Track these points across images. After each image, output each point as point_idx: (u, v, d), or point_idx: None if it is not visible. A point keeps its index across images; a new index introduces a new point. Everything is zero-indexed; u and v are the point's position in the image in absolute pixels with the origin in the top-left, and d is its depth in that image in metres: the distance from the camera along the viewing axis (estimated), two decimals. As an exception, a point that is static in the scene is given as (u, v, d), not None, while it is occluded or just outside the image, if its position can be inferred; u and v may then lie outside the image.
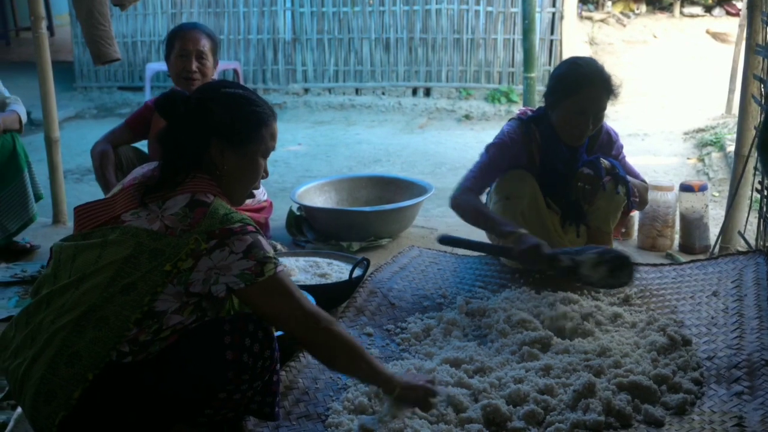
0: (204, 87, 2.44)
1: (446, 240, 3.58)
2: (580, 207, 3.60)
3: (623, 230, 4.30)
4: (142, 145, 4.16)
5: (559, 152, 3.55)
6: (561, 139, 3.53)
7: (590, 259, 3.19)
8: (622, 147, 3.76)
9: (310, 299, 2.45)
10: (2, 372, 2.27)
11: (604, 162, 3.52)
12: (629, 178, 3.61)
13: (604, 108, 3.46)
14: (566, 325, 3.10)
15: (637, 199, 3.66)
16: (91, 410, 2.10)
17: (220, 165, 2.29)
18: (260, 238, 2.21)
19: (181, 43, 3.79)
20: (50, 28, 12.96)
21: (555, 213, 3.65)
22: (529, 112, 3.72)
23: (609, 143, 3.69)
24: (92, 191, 5.92)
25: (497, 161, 3.61)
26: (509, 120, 3.76)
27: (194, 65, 3.78)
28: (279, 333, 2.48)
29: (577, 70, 3.47)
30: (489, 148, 3.65)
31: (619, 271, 3.21)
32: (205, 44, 3.82)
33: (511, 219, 3.51)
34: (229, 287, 2.17)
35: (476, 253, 3.85)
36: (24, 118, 4.30)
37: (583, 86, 3.40)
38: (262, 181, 2.49)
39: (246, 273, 2.15)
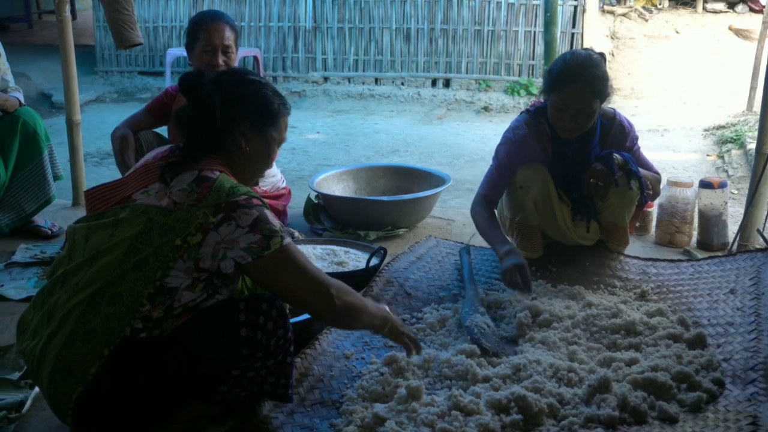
0: (229, 72, 2.50)
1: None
2: (592, 202, 3.59)
3: (638, 225, 4.28)
4: (163, 131, 4.17)
5: (567, 143, 3.54)
6: None
7: None
8: (636, 138, 3.71)
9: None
10: (21, 354, 2.30)
11: (617, 157, 3.48)
12: (642, 171, 3.58)
13: (588, 106, 3.36)
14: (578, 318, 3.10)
15: (651, 192, 3.64)
16: (107, 385, 2.13)
17: (243, 147, 2.36)
18: (266, 211, 2.25)
19: (207, 36, 3.78)
20: (72, 12, 13.02)
21: (566, 205, 3.64)
22: (538, 104, 3.69)
23: (622, 135, 3.64)
24: (111, 174, 5.95)
25: (507, 161, 3.62)
26: (520, 114, 3.75)
27: (220, 59, 3.79)
28: (295, 320, 2.51)
29: (563, 66, 3.42)
30: (497, 149, 3.69)
31: None
32: (230, 37, 3.82)
33: (523, 207, 3.58)
34: (237, 262, 2.21)
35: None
36: (21, 104, 4.35)
37: (566, 83, 3.36)
38: (280, 168, 2.54)
39: (253, 246, 2.19)
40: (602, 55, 3.51)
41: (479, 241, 3.89)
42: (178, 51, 9.68)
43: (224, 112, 2.32)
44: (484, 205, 3.66)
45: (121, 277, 2.16)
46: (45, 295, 2.27)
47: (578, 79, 3.35)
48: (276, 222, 2.26)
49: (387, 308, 2.61)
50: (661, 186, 3.85)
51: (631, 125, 3.69)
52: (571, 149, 3.54)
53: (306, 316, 2.86)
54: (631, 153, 3.62)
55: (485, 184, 3.71)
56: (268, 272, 2.25)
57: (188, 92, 2.35)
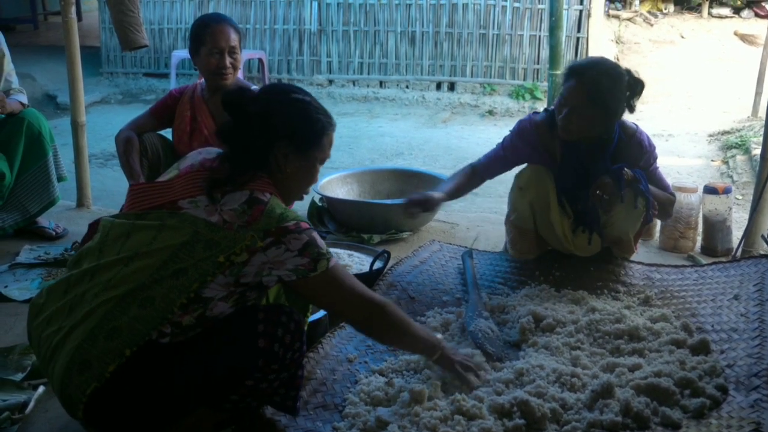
0: (273, 90, 2.51)
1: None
2: (596, 214, 3.55)
3: (639, 241, 4.27)
4: (167, 133, 4.17)
5: (577, 151, 3.51)
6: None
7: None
8: (655, 158, 3.60)
9: None
10: (32, 337, 2.30)
11: (627, 173, 3.39)
12: (653, 189, 3.49)
13: (582, 107, 3.33)
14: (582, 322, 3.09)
15: (656, 212, 3.56)
16: (122, 385, 2.13)
17: (283, 167, 2.36)
18: (314, 234, 2.27)
19: (213, 39, 3.78)
20: (78, 13, 13.03)
21: (567, 216, 3.60)
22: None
23: (639, 152, 3.53)
24: (116, 176, 5.97)
25: (510, 149, 3.66)
26: (543, 110, 3.74)
27: (227, 61, 3.80)
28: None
29: (572, 64, 3.48)
30: (510, 132, 3.71)
31: None
32: (235, 38, 3.82)
33: (517, 208, 3.61)
34: (281, 278, 2.24)
35: (497, 250, 3.88)
36: (24, 106, 4.37)
37: (568, 78, 3.39)
38: None
39: (300, 268, 2.22)
40: (631, 77, 3.42)
41: (483, 245, 3.89)
42: (183, 53, 9.67)
43: (264, 132, 2.32)
44: (466, 169, 3.72)
45: (156, 282, 2.16)
46: (71, 284, 2.26)
47: (577, 76, 3.35)
48: (323, 245, 2.29)
49: (440, 336, 2.67)
50: (673, 207, 3.74)
51: (651, 144, 3.59)
52: (581, 158, 3.51)
53: (311, 318, 2.87)
54: (647, 172, 3.52)
55: (483, 158, 3.75)
56: (313, 290, 2.31)
57: (230, 109, 2.36)
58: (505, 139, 3.71)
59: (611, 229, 3.58)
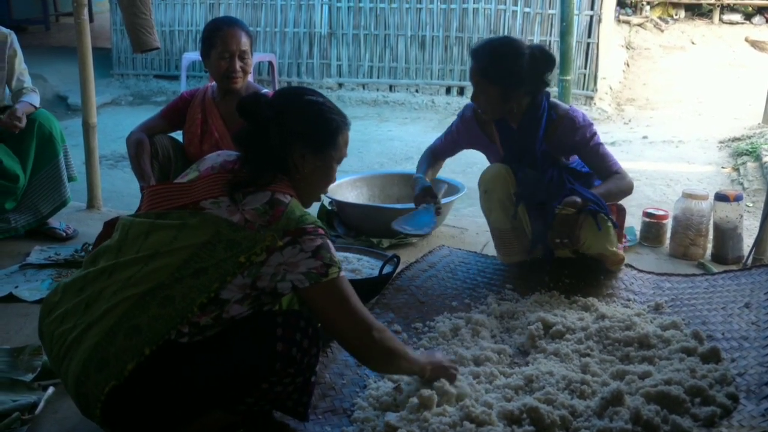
0: (286, 93, 2.53)
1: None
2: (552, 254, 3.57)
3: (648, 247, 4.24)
4: (177, 135, 4.18)
5: (510, 131, 3.56)
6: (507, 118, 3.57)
7: None
8: (593, 134, 3.49)
9: None
10: (44, 335, 2.30)
11: (570, 209, 3.26)
12: (600, 190, 3.38)
13: (481, 82, 3.41)
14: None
15: (624, 210, 3.65)
16: (140, 384, 2.14)
17: (300, 168, 2.39)
18: (329, 241, 2.30)
19: (224, 43, 3.79)
20: (90, 14, 13.08)
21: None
22: None
23: (572, 129, 3.48)
24: (126, 177, 5.99)
25: (456, 132, 3.86)
26: None
27: (238, 65, 3.81)
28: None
29: (472, 47, 3.55)
30: (457, 116, 3.88)
31: None
32: (246, 42, 3.84)
33: (491, 211, 3.63)
34: (294, 285, 2.24)
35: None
36: (36, 108, 4.40)
37: (471, 60, 3.48)
38: None
39: (312, 272, 2.23)
40: (535, 51, 3.40)
41: (492, 249, 3.88)
42: (193, 55, 9.71)
43: (280, 135, 2.35)
44: (426, 154, 4.01)
45: (177, 281, 2.17)
46: (87, 281, 2.27)
47: (475, 57, 3.44)
48: (335, 254, 2.30)
49: (430, 354, 2.67)
50: (627, 180, 3.52)
51: (585, 120, 3.52)
52: (511, 139, 3.56)
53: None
54: (586, 148, 3.48)
55: (439, 140, 3.99)
56: (320, 299, 2.29)
57: (245, 115, 2.39)
58: (449, 128, 3.92)
59: (590, 251, 3.54)
